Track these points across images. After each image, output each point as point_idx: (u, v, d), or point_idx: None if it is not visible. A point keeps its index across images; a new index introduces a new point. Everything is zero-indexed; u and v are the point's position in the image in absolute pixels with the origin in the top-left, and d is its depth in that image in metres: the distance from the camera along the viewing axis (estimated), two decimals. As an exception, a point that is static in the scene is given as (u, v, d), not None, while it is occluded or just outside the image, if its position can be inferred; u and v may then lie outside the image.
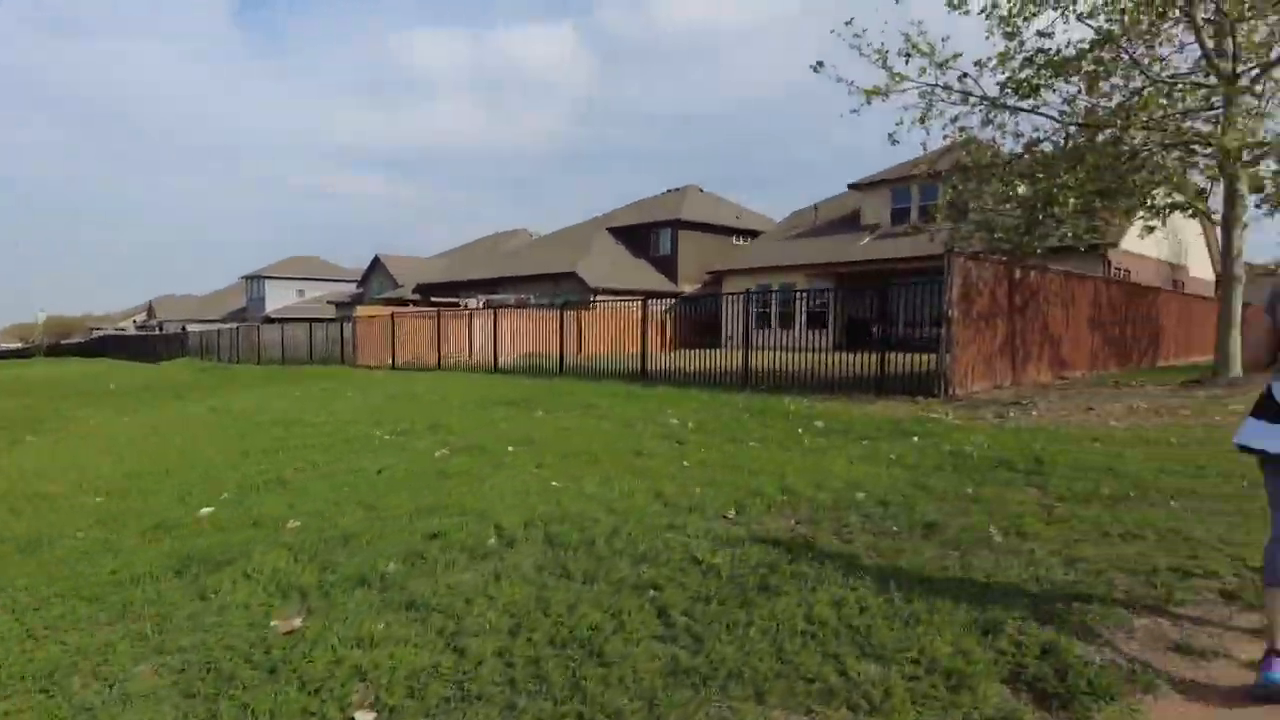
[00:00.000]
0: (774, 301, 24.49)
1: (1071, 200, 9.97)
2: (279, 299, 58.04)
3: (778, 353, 12.90)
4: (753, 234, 38.05)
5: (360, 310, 29.49)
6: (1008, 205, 11.73)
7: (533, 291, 34.59)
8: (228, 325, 43.20)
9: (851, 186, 29.10)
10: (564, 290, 33.61)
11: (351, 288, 54.79)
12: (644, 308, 15.47)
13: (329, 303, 51.76)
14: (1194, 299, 23.61)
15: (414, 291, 42.17)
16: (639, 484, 5.89)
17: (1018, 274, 12.46)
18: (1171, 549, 4.09)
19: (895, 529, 4.61)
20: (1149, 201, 10.18)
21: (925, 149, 12.65)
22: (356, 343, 24.19)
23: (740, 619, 3.32)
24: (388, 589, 3.86)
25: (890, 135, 12.01)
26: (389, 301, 39.04)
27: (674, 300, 25.59)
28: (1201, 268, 30.71)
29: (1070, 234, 12.07)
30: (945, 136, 11.98)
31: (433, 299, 37.55)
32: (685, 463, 6.67)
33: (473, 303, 32.40)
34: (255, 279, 61.00)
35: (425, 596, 3.71)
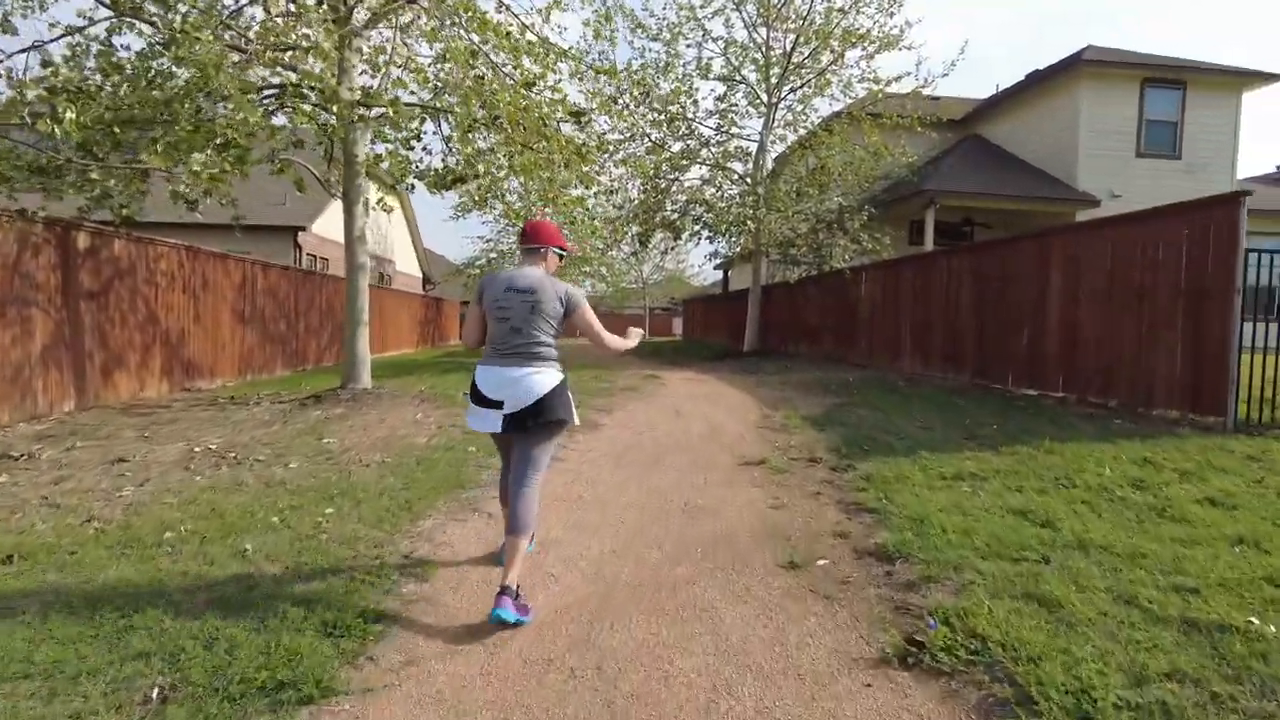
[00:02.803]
0: None
1: (84, 121, 6.13)
2: None
3: None
4: None
5: None
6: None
7: None
8: None
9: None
10: None
11: None
12: None
13: None
14: (392, 293, 23.42)
15: None
16: None
17: (84, 241, 8.16)
18: None
19: None
20: (210, 143, 6.97)
21: None
22: None
23: None
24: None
25: None
26: None
27: None
28: (407, 261, 32.01)
29: (122, 188, 8.18)
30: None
31: None
32: None
33: None
34: None
35: None
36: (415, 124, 8.15)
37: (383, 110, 8.01)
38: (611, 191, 16.78)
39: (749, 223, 15.47)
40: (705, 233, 16.71)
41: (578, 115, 6.60)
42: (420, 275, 34.91)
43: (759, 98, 16.73)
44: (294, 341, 14.54)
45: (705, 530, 4.36)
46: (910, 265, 12.74)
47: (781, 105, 16.76)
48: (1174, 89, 17.08)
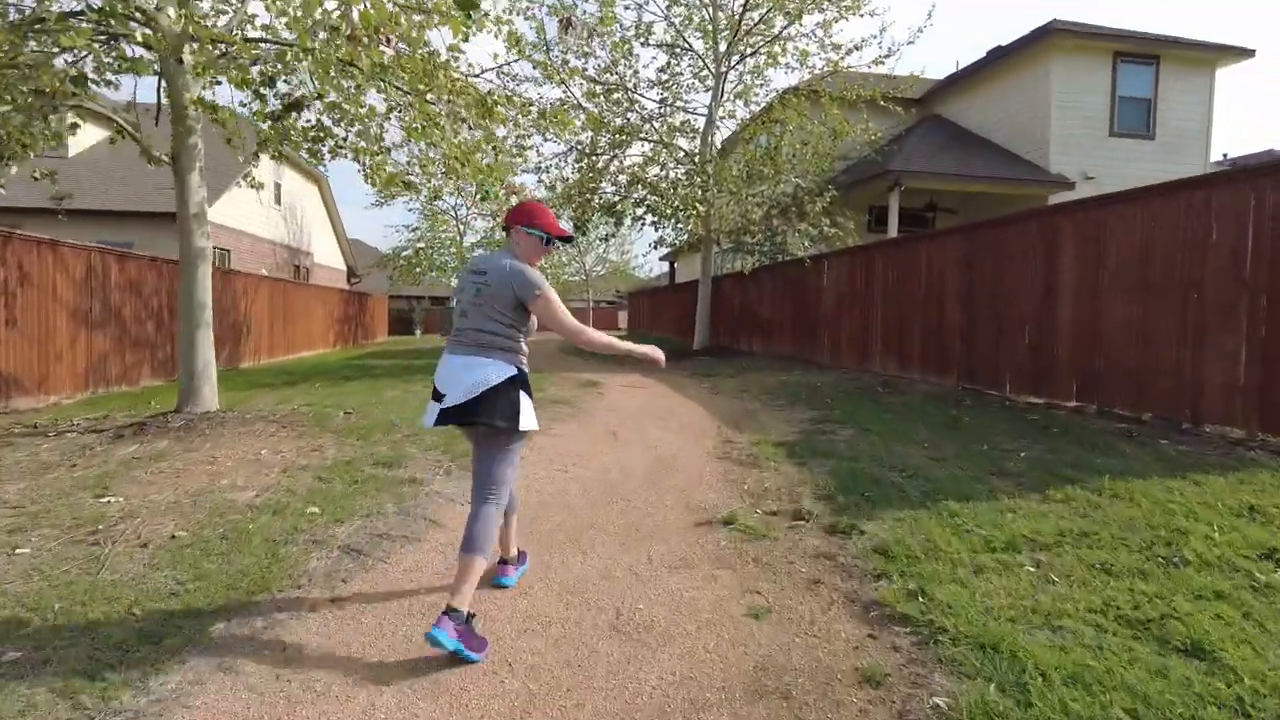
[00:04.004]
0: None
1: None
2: None
3: None
4: None
5: None
6: None
7: None
8: None
9: None
10: None
11: None
12: None
13: None
14: (302, 287, 21.07)
15: None
16: None
17: None
18: None
19: None
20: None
21: None
22: None
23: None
24: None
25: None
26: None
27: None
28: (328, 254, 29.46)
29: None
30: None
31: None
32: None
33: None
34: None
35: None
36: (270, 66, 6.18)
37: (226, 49, 6.03)
38: (541, 169, 14.91)
39: (697, 205, 13.75)
40: (649, 217, 14.93)
41: (468, 6, 4.78)
42: (345, 268, 32.35)
43: (706, 68, 15.04)
44: (168, 346, 12.30)
45: (648, 679, 2.61)
46: (882, 252, 11.22)
47: (731, 74, 15.10)
48: (1147, 64, 15.98)
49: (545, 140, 14.52)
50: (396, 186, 6.23)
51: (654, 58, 18.90)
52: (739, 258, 17.14)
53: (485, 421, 2.81)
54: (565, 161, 15.15)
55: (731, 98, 15.25)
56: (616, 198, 15.42)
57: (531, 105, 7.13)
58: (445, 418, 2.85)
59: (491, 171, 6.94)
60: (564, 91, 14.38)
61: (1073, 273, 7.39)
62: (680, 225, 15.26)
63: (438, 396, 2.89)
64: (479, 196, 7.62)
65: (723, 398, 9.26)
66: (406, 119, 6.66)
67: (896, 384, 9.69)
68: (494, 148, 6.75)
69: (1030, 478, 4.83)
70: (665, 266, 34.56)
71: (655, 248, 17.00)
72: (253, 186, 8.52)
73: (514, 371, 2.90)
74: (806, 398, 8.77)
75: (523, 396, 2.91)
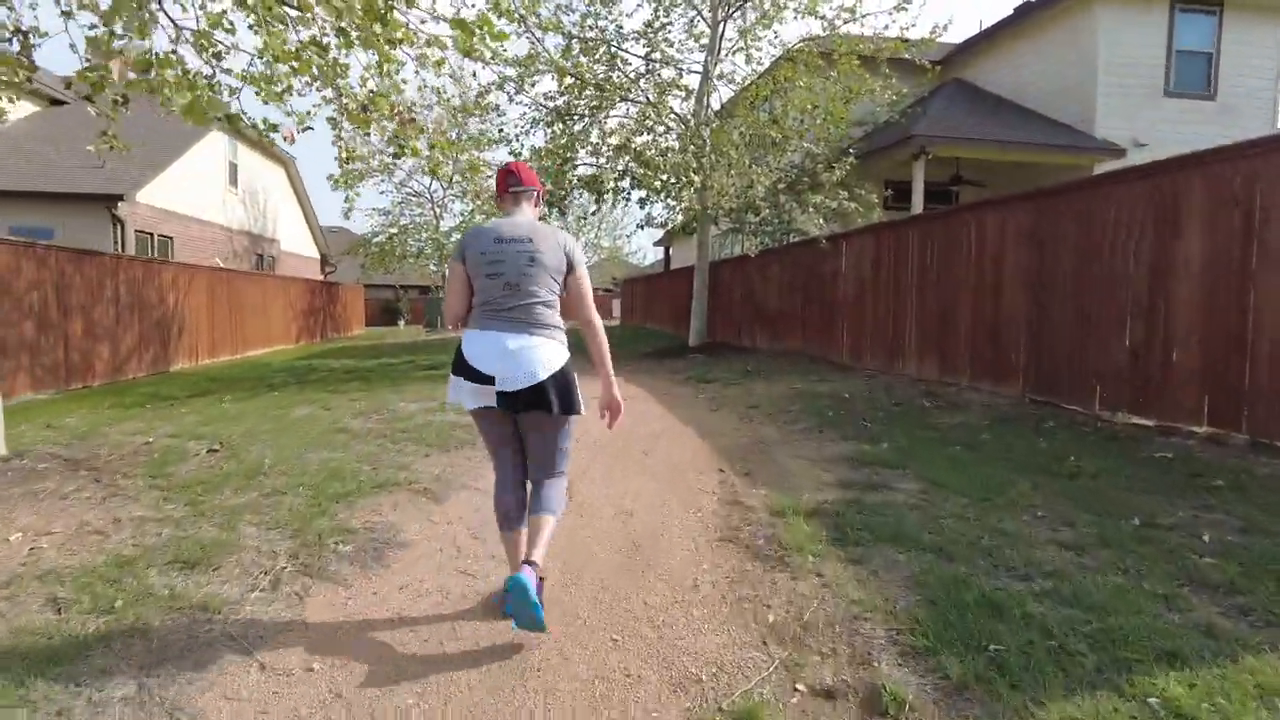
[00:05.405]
0: None
1: None
2: None
3: None
4: None
5: None
6: None
7: None
8: None
9: None
10: None
11: None
12: None
13: None
14: (255, 277, 19.00)
15: None
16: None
17: None
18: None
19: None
20: None
21: None
22: None
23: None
24: None
25: None
26: None
27: None
28: (298, 241, 27.32)
29: None
30: None
31: None
32: None
33: None
34: None
35: None
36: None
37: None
38: (507, 138, 12.84)
39: (693, 175, 11.66)
40: (636, 192, 12.85)
41: None
42: (318, 256, 30.20)
43: (700, 16, 12.93)
44: (60, 348, 10.27)
45: None
46: (918, 229, 9.17)
47: (730, 28, 13.01)
48: (1209, 13, 13.89)
49: (511, 100, 12.44)
50: (214, 118, 4.21)
51: (639, 6, 17.00)
52: (741, 239, 15.09)
53: (553, 410, 2.62)
54: (536, 128, 13.06)
55: (729, 55, 13.17)
56: (598, 168, 13.31)
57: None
58: (506, 403, 2.62)
59: (387, 99, 4.90)
60: (532, 44, 12.32)
61: (1202, 248, 5.38)
62: (672, 201, 13.19)
63: (479, 377, 2.60)
64: (393, 152, 5.60)
65: (725, 416, 7.24)
66: (272, 41, 4.63)
67: (942, 394, 7.69)
68: (382, 64, 4.71)
69: (1259, 597, 2.83)
70: (663, 253, 32.50)
71: (642, 228, 14.95)
72: (110, 145, 6.50)
73: (569, 353, 2.73)
74: (834, 416, 6.76)
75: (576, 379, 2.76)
